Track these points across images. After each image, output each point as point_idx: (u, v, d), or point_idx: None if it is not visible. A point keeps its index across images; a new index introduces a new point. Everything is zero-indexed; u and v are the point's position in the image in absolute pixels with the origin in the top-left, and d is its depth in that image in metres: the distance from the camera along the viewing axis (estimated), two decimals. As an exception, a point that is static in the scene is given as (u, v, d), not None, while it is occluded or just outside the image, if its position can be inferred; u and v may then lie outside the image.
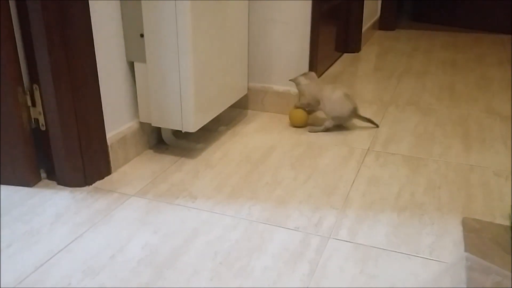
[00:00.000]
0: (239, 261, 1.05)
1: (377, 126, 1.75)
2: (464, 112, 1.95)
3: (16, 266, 1.03)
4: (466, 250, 1.08)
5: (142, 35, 1.40)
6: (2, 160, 1.33)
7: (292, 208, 1.26)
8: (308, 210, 1.25)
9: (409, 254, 1.08)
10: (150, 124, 1.54)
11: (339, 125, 1.77)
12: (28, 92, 1.29)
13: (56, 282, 0.99)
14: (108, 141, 1.41)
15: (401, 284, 0.99)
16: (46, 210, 1.24)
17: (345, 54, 2.90)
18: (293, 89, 1.84)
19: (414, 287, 0.98)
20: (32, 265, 1.04)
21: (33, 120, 1.32)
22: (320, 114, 1.78)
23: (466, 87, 2.29)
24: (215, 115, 1.59)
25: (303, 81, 1.75)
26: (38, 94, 1.29)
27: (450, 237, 1.14)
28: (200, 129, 1.51)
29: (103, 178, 1.40)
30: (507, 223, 1.19)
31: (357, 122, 1.79)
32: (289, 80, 1.80)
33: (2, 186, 1.36)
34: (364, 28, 3.02)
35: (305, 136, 1.71)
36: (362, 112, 1.77)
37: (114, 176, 1.42)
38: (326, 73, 2.51)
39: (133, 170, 1.46)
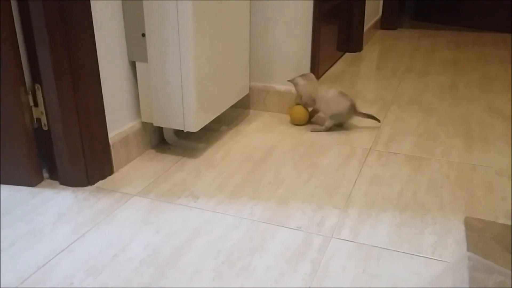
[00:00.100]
0: (241, 260, 1.05)
1: (379, 121, 1.74)
2: (466, 111, 1.95)
3: (19, 265, 1.03)
4: (468, 250, 1.08)
5: (143, 35, 1.40)
6: (5, 160, 1.33)
7: (294, 208, 1.26)
8: (310, 210, 1.25)
9: (411, 254, 1.07)
10: (152, 124, 1.54)
11: (341, 125, 1.77)
12: (30, 92, 1.30)
13: (58, 281, 0.99)
14: (110, 140, 1.41)
15: (403, 283, 0.99)
16: (49, 209, 1.24)
17: (346, 54, 2.89)
18: (294, 89, 1.84)
19: (416, 287, 0.98)
20: (35, 264, 1.04)
21: (35, 120, 1.33)
22: (323, 113, 1.78)
23: (468, 86, 2.28)
24: (217, 115, 1.59)
25: (300, 81, 1.77)
26: (40, 94, 1.29)
27: (452, 236, 1.14)
28: (202, 128, 1.51)
29: (105, 177, 1.40)
30: (510, 222, 1.18)
31: (359, 121, 1.79)
32: (287, 80, 1.81)
33: (4, 185, 1.36)
34: (365, 28, 3.01)
35: (307, 136, 1.71)
36: (364, 111, 1.77)
37: (116, 175, 1.42)
38: (327, 72, 2.51)
39: (135, 169, 1.46)
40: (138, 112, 1.54)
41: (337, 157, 1.55)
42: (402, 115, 1.91)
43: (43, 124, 1.33)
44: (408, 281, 0.99)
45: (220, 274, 1.01)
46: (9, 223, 1.18)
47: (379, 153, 1.58)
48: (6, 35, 1.21)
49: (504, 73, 2.50)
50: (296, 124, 1.81)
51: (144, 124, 1.55)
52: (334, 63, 2.69)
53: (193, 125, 1.46)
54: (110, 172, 1.42)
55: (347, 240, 1.12)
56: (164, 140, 1.63)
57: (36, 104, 1.31)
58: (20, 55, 1.25)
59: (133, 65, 1.48)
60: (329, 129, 1.74)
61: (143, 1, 1.36)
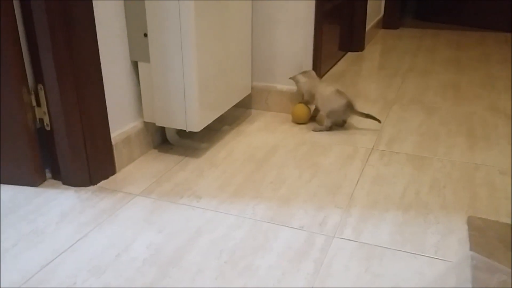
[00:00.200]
0: (243, 260, 1.05)
1: (379, 121, 1.74)
2: (468, 111, 1.94)
3: (22, 265, 1.04)
4: (471, 249, 1.08)
5: (145, 35, 1.41)
6: (7, 159, 1.34)
7: (296, 207, 1.26)
8: (312, 209, 1.25)
9: (414, 253, 1.07)
10: (154, 124, 1.54)
11: (343, 124, 1.77)
12: (33, 92, 1.30)
13: (61, 281, 0.99)
14: (112, 140, 1.41)
15: (406, 283, 0.99)
16: (51, 209, 1.25)
17: (348, 53, 2.89)
18: (295, 88, 1.85)
19: (419, 287, 0.98)
20: (38, 264, 1.04)
21: (38, 120, 1.33)
22: (321, 111, 1.79)
23: (470, 85, 2.28)
24: (219, 115, 1.59)
25: (301, 79, 1.78)
26: (43, 94, 1.29)
27: (455, 236, 1.14)
28: (204, 128, 1.51)
29: (107, 177, 1.40)
30: (511, 221, 1.18)
31: (360, 121, 1.79)
32: (289, 78, 1.82)
33: (7, 185, 1.36)
34: (367, 27, 3.01)
35: (309, 135, 1.71)
36: (366, 110, 1.77)
37: (118, 175, 1.43)
38: (329, 72, 2.51)
39: (138, 169, 1.46)
40: (140, 112, 1.54)
41: (339, 156, 1.55)
42: (404, 114, 1.91)
43: (45, 124, 1.33)
44: (411, 281, 0.99)
45: (223, 274, 1.01)
46: (12, 223, 1.19)
47: (382, 153, 1.57)
48: (9, 35, 1.21)
49: (506, 72, 2.49)
50: (298, 122, 1.81)
51: (146, 124, 1.55)
52: (336, 62, 2.69)
53: (195, 125, 1.46)
54: (113, 172, 1.43)
55: (350, 240, 1.12)
56: (166, 140, 1.63)
57: (38, 104, 1.31)
58: (22, 55, 1.25)
59: (135, 65, 1.48)
60: (330, 128, 1.74)
61: (145, 1, 1.36)
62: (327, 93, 1.72)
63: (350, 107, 1.70)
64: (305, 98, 1.79)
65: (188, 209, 1.25)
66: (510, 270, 0.93)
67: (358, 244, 1.11)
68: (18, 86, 1.26)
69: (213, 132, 1.72)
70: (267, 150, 1.59)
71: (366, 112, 1.72)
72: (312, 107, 1.82)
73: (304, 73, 1.79)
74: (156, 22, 1.37)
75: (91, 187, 1.36)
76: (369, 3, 2.95)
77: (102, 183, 1.38)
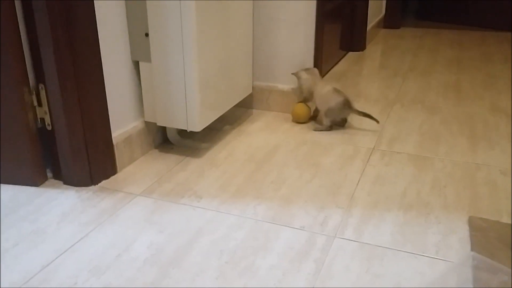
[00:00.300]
0: (244, 260, 1.05)
1: (378, 121, 1.73)
2: (470, 111, 1.94)
3: (23, 265, 1.04)
4: (472, 249, 1.08)
5: (147, 35, 1.41)
6: (8, 159, 1.34)
7: (297, 207, 1.26)
8: (313, 209, 1.25)
9: (415, 253, 1.07)
10: (155, 124, 1.54)
11: (343, 124, 1.77)
12: (34, 92, 1.30)
13: (62, 281, 0.99)
14: (113, 140, 1.41)
15: (407, 283, 0.98)
16: (52, 209, 1.25)
17: (349, 53, 2.89)
18: (295, 85, 1.85)
19: (420, 287, 0.98)
20: (39, 264, 1.04)
21: (39, 119, 1.33)
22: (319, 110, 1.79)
23: (472, 85, 2.28)
24: (220, 114, 1.59)
25: (303, 75, 1.79)
26: (44, 94, 1.29)
27: (456, 236, 1.13)
28: (205, 128, 1.51)
29: (108, 177, 1.40)
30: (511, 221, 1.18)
31: (361, 121, 1.79)
32: (291, 73, 1.82)
33: (8, 185, 1.37)
34: (368, 27, 3.01)
35: (310, 135, 1.71)
36: (367, 110, 1.76)
37: (119, 175, 1.43)
38: (331, 71, 2.51)
39: (139, 169, 1.46)
40: (141, 111, 1.54)
41: (340, 156, 1.55)
42: (405, 114, 1.91)
43: (47, 124, 1.33)
44: (412, 281, 0.99)
45: (224, 274, 1.01)
46: (13, 223, 1.19)
47: (383, 153, 1.57)
48: (10, 35, 1.21)
49: (507, 72, 2.49)
50: (298, 122, 1.81)
51: (147, 123, 1.55)
52: (337, 62, 2.68)
53: (196, 124, 1.46)
54: (114, 171, 1.43)
55: (351, 240, 1.12)
56: (167, 140, 1.63)
57: (40, 104, 1.31)
58: (24, 55, 1.25)
59: (136, 65, 1.48)
60: (330, 128, 1.74)
61: (147, 1, 1.36)
62: (324, 91, 1.72)
63: (347, 105, 1.69)
64: (304, 95, 1.79)
65: (189, 209, 1.25)
66: (511, 270, 0.92)
67: (359, 244, 1.10)
68: (19, 86, 1.26)
69: (214, 132, 1.72)
70: (268, 150, 1.59)
71: (365, 111, 1.72)
72: (313, 107, 1.82)
73: (306, 70, 1.79)
74: (157, 22, 1.37)
75: (92, 187, 1.36)
76: (370, 2, 2.95)
77: (103, 183, 1.38)
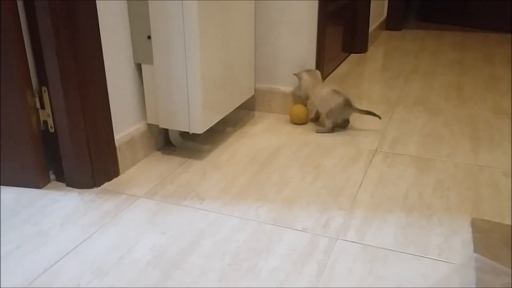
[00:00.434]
0: (246, 262, 1.05)
1: (379, 117, 1.73)
2: (472, 112, 1.94)
3: (25, 267, 1.04)
4: (475, 251, 1.07)
5: (149, 37, 1.41)
6: (12, 161, 1.34)
7: (299, 209, 1.26)
8: (315, 211, 1.25)
9: (418, 255, 1.07)
10: (157, 126, 1.54)
11: (345, 126, 1.77)
12: (37, 95, 1.30)
13: (65, 283, 0.99)
14: (116, 142, 1.42)
15: (409, 285, 0.98)
16: (55, 211, 1.25)
17: (352, 55, 2.89)
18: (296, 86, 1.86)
19: (423, 288, 0.98)
20: (41, 266, 1.04)
21: (42, 122, 1.33)
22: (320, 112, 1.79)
23: (474, 87, 2.27)
24: (222, 117, 1.60)
25: (304, 76, 1.79)
26: (47, 96, 1.30)
27: (459, 237, 1.13)
28: (207, 130, 1.51)
29: (111, 179, 1.41)
30: (517, 223, 1.18)
31: (363, 123, 1.79)
32: (293, 74, 1.83)
33: (11, 187, 1.37)
34: (370, 29, 3.01)
35: (312, 137, 1.71)
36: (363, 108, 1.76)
37: (122, 177, 1.43)
38: (333, 73, 2.51)
39: (141, 171, 1.47)
40: (143, 114, 1.54)
41: (342, 158, 1.55)
42: (407, 116, 1.91)
43: (49, 126, 1.33)
44: (415, 283, 0.99)
45: (226, 276, 1.01)
46: (16, 225, 1.19)
47: (385, 154, 1.57)
48: (13, 37, 1.22)
49: (509, 73, 2.48)
50: (296, 123, 1.82)
51: (149, 126, 1.55)
52: (339, 64, 2.68)
53: (199, 126, 1.46)
54: (116, 174, 1.43)
55: (353, 242, 1.12)
56: (169, 142, 1.64)
57: (42, 107, 1.32)
58: (26, 57, 1.26)
59: (138, 67, 1.49)
60: (332, 130, 1.74)
61: (149, 3, 1.36)
62: (323, 93, 1.72)
63: (348, 105, 1.69)
64: (299, 95, 1.81)
65: (191, 211, 1.25)
66: (514, 272, 0.92)
67: (361, 246, 1.10)
68: (22, 89, 1.26)
69: (216, 134, 1.72)
70: (270, 152, 1.59)
71: (365, 109, 1.72)
72: (310, 110, 1.83)
73: (308, 71, 1.80)
74: (159, 25, 1.37)
75: (95, 189, 1.36)
76: (372, 4, 2.95)
77: (106, 185, 1.38)
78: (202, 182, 1.40)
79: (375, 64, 2.71)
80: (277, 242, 1.12)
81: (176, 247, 1.10)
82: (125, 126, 1.47)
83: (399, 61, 2.76)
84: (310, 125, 1.82)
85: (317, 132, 1.75)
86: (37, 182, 1.36)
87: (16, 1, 1.20)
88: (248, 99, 1.85)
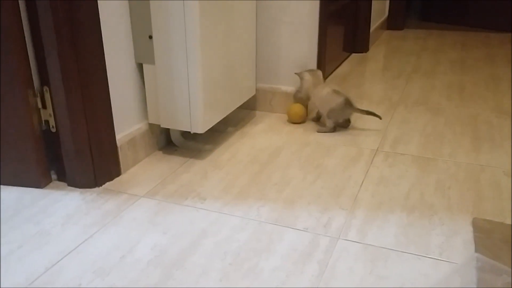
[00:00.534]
0: (247, 261, 1.05)
1: (380, 117, 1.73)
2: (473, 112, 1.94)
3: (27, 267, 1.04)
4: (476, 251, 1.07)
5: (150, 37, 1.41)
6: (13, 161, 1.34)
7: (300, 209, 1.26)
8: (317, 211, 1.25)
9: (419, 255, 1.07)
10: (159, 126, 1.55)
11: (347, 126, 1.77)
12: (38, 94, 1.31)
13: (66, 282, 0.99)
14: (117, 142, 1.42)
15: (410, 284, 0.98)
16: (57, 211, 1.25)
17: (353, 54, 2.89)
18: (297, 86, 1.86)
19: (424, 288, 0.98)
20: (43, 266, 1.04)
21: (43, 122, 1.34)
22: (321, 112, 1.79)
23: (476, 86, 2.27)
24: (224, 116, 1.60)
25: (306, 76, 1.79)
26: (49, 96, 1.30)
27: (460, 237, 1.13)
28: (208, 130, 1.51)
29: (112, 179, 1.41)
30: (518, 223, 1.18)
31: (365, 122, 1.79)
32: (295, 73, 1.83)
33: (13, 187, 1.37)
34: (372, 28, 3.01)
35: (313, 137, 1.71)
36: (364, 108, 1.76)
37: (123, 177, 1.43)
38: (334, 73, 2.51)
39: (143, 171, 1.47)
40: (145, 114, 1.54)
41: (343, 158, 1.55)
42: (409, 115, 1.91)
43: (51, 126, 1.34)
44: (416, 282, 0.99)
45: (227, 276, 1.01)
46: (18, 225, 1.19)
47: (386, 154, 1.57)
48: (15, 38, 1.22)
49: (510, 73, 2.48)
50: (294, 122, 1.82)
51: (151, 125, 1.56)
52: (341, 63, 2.68)
53: (200, 126, 1.46)
54: (118, 173, 1.43)
55: (354, 241, 1.12)
56: (171, 142, 1.64)
57: (44, 106, 1.32)
58: (28, 57, 1.26)
59: (140, 67, 1.49)
60: (333, 129, 1.74)
61: (150, 3, 1.37)
62: (324, 93, 1.72)
63: (348, 104, 1.69)
64: (300, 95, 1.81)
65: (192, 210, 1.25)
66: (515, 272, 0.92)
67: (362, 246, 1.10)
68: (24, 88, 1.27)
69: (218, 133, 1.73)
70: (271, 152, 1.59)
71: (366, 109, 1.72)
72: (310, 110, 1.83)
73: (310, 71, 1.80)
74: (161, 24, 1.37)
75: (96, 189, 1.36)
76: (373, 4, 2.95)
77: (107, 184, 1.39)
78: (203, 182, 1.40)
79: (376, 64, 2.71)
80: (278, 242, 1.12)
81: (177, 246, 1.11)
82: (127, 125, 1.47)
83: (400, 60, 2.75)
84: (311, 125, 1.82)
85: (318, 132, 1.75)
86: (39, 181, 1.36)
87: (17, 1, 1.20)
88: (249, 99, 1.85)
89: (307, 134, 1.73)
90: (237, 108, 1.72)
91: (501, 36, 3.37)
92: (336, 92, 1.71)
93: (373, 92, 2.20)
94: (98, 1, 1.27)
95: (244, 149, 1.61)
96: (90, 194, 1.33)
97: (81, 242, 1.12)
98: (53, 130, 1.34)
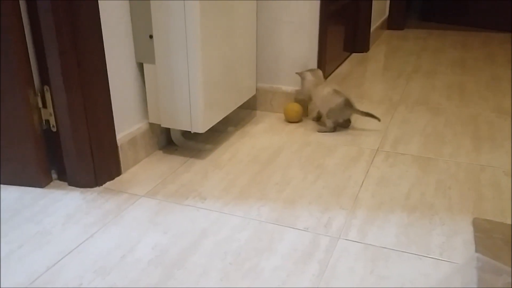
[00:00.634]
0: (248, 261, 1.05)
1: (379, 119, 1.73)
2: (474, 112, 1.94)
3: (28, 266, 1.04)
4: (477, 251, 1.07)
5: (151, 36, 1.41)
6: (14, 161, 1.34)
7: (301, 209, 1.26)
8: (317, 211, 1.25)
9: (420, 255, 1.07)
10: (159, 125, 1.55)
11: (347, 125, 1.77)
12: (39, 94, 1.31)
13: (67, 282, 0.99)
14: (118, 142, 1.42)
15: (411, 284, 0.98)
16: (57, 210, 1.25)
17: (353, 54, 2.89)
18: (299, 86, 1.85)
19: (425, 288, 0.98)
20: (44, 265, 1.04)
21: (44, 121, 1.34)
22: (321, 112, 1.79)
23: (476, 86, 2.27)
24: (224, 116, 1.60)
25: (308, 76, 1.79)
26: (49, 96, 1.30)
27: (460, 237, 1.13)
28: (209, 130, 1.51)
29: (113, 178, 1.41)
30: (518, 223, 1.18)
31: (365, 123, 1.79)
32: (296, 73, 1.83)
33: (13, 186, 1.37)
34: (372, 28, 3.01)
35: (313, 136, 1.71)
36: (371, 112, 1.76)
37: (124, 176, 1.43)
38: (334, 73, 2.51)
39: (143, 170, 1.47)
40: (145, 113, 1.54)
41: (344, 157, 1.55)
42: (409, 115, 1.91)
43: (51, 126, 1.34)
44: (416, 282, 0.99)
45: (228, 275, 1.01)
46: (18, 224, 1.19)
47: (387, 154, 1.57)
48: (15, 37, 1.22)
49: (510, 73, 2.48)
50: (290, 121, 1.82)
51: (151, 125, 1.56)
52: (341, 63, 2.68)
53: (200, 126, 1.46)
54: (118, 173, 1.43)
55: (355, 241, 1.12)
56: (171, 141, 1.64)
57: (44, 106, 1.32)
58: (29, 57, 1.26)
59: (140, 66, 1.49)
60: (334, 129, 1.74)
61: (151, 3, 1.37)
62: (324, 93, 1.72)
63: (348, 105, 1.69)
64: (302, 96, 1.81)
65: (193, 210, 1.25)
66: (516, 272, 0.92)
67: (363, 246, 1.10)
68: (25, 88, 1.27)
69: (218, 133, 1.73)
70: (272, 152, 1.59)
71: (365, 110, 1.72)
72: (312, 109, 1.83)
73: (311, 71, 1.80)
74: (161, 24, 1.37)
75: (97, 188, 1.36)
76: (374, 4, 2.95)
77: (108, 184, 1.39)
78: (204, 182, 1.40)
79: (377, 64, 2.71)
80: (279, 242, 1.12)
81: (177, 246, 1.11)
82: (127, 125, 1.47)
83: (400, 60, 2.75)
84: (312, 125, 1.82)
85: (318, 132, 1.75)
86: (39, 181, 1.36)
87: (18, 1, 1.20)
88: (250, 99, 1.85)
89: (308, 134, 1.73)
90: (238, 107, 1.72)
91: (501, 36, 3.37)
92: (336, 92, 1.71)
93: (373, 92, 2.20)
94: (99, 1, 1.27)
95: (244, 149, 1.61)
96: (90, 194, 1.33)
97: (82, 242, 1.12)
98: (54, 129, 1.34)
